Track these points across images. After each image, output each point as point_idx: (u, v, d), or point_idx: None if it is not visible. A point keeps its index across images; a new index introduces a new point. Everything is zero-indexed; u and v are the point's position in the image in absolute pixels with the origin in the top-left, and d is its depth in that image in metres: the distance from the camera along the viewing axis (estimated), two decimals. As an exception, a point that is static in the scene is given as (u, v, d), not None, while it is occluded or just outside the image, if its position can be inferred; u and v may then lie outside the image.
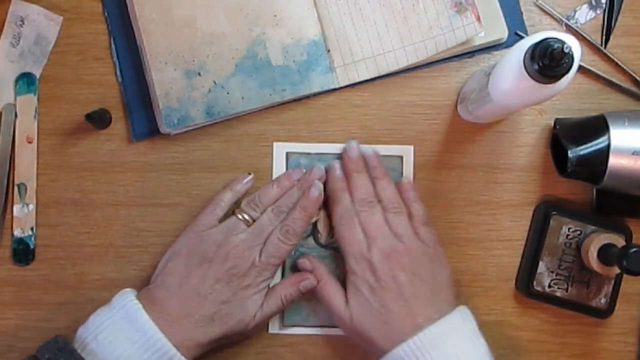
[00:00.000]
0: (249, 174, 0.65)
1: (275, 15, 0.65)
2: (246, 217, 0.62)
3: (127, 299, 0.58)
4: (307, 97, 0.66)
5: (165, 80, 0.64)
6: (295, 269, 0.65)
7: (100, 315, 0.58)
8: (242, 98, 0.65)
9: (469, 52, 0.67)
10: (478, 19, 0.64)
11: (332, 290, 0.62)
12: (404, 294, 0.59)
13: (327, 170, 0.65)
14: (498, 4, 0.66)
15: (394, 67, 0.66)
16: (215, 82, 0.64)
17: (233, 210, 0.63)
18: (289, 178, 0.65)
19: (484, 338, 0.58)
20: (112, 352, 0.55)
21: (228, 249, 0.60)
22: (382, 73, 0.66)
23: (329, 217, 0.65)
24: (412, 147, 0.67)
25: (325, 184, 0.65)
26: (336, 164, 0.65)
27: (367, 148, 0.65)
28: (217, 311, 0.59)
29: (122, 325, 0.56)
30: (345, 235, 0.62)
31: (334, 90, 0.67)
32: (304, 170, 0.65)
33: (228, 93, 0.64)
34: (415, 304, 0.59)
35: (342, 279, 0.66)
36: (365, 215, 0.62)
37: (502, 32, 0.66)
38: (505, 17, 0.66)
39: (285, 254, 0.62)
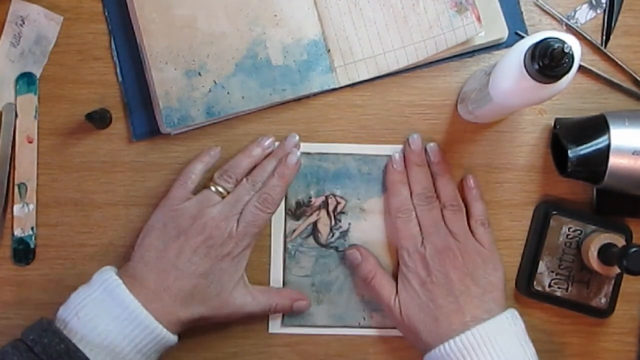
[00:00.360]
0: (216, 146, 0.65)
1: (275, 15, 0.65)
2: (220, 189, 0.62)
3: (107, 275, 0.58)
4: (307, 97, 0.66)
5: (165, 80, 0.64)
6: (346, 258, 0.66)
7: (80, 293, 0.58)
8: (243, 98, 0.65)
9: (469, 52, 0.67)
10: (478, 18, 0.64)
11: (382, 282, 0.63)
12: (454, 291, 0.60)
13: (388, 163, 0.65)
14: (498, 4, 0.66)
15: (394, 67, 0.66)
16: (215, 82, 0.64)
17: (206, 182, 0.63)
18: (260, 146, 0.65)
19: (531, 342, 0.59)
20: (94, 328, 0.55)
21: (204, 220, 0.60)
22: (382, 73, 0.66)
23: (329, 216, 0.66)
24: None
25: (384, 176, 0.65)
26: (397, 156, 0.65)
27: (431, 144, 0.65)
28: (195, 284, 0.59)
29: (102, 301, 0.56)
30: (400, 227, 0.63)
31: (334, 90, 0.67)
32: (272, 138, 0.65)
33: (228, 93, 0.64)
34: (464, 303, 0.59)
35: (342, 278, 0.66)
36: (422, 210, 0.63)
37: (502, 32, 0.66)
38: (505, 17, 0.66)
39: (263, 222, 0.62)
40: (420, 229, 0.63)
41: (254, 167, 0.64)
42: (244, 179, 0.63)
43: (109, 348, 0.55)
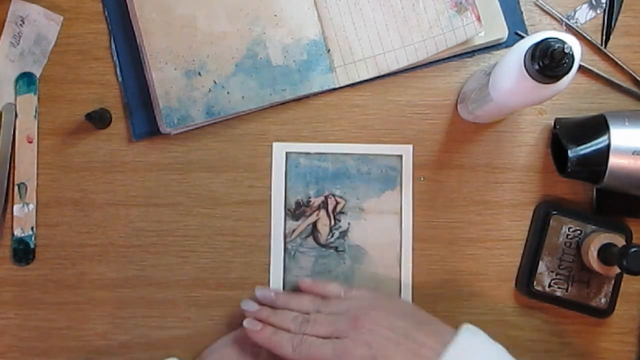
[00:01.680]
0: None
1: (275, 15, 0.65)
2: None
3: None
4: (307, 96, 0.66)
5: (165, 80, 0.64)
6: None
7: None
8: (242, 98, 0.65)
9: (469, 52, 0.67)
10: (478, 18, 0.64)
11: None
12: (399, 341, 0.55)
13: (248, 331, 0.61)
14: (498, 4, 0.66)
15: (394, 67, 0.66)
16: (215, 82, 0.64)
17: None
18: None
19: (498, 343, 0.57)
20: None
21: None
22: (382, 73, 0.66)
23: (329, 216, 0.66)
24: (411, 147, 0.67)
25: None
26: (251, 326, 0.60)
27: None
28: None
29: None
30: (311, 355, 0.57)
31: (334, 90, 0.67)
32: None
33: (228, 93, 0.64)
34: (413, 341, 0.55)
35: (342, 278, 0.66)
36: (310, 329, 0.58)
37: (502, 32, 0.66)
38: (505, 17, 0.66)
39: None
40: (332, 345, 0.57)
41: None
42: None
43: None
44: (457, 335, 0.55)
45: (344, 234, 0.66)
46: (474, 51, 0.67)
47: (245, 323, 0.61)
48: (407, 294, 0.66)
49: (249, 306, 0.62)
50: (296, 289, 0.65)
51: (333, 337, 0.57)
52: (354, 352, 0.55)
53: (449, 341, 0.54)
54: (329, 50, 0.65)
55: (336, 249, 0.66)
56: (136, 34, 0.65)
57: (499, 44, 0.67)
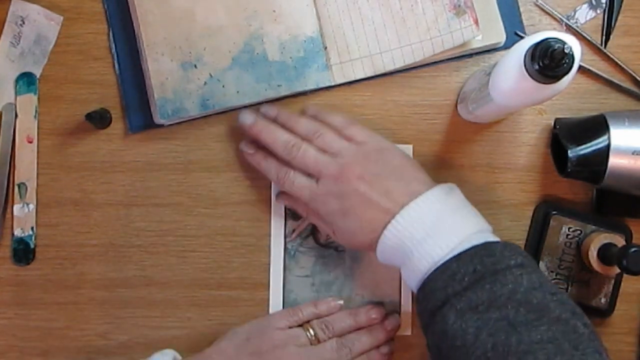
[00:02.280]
0: (339, 301, 0.65)
1: (274, 11, 0.65)
2: (312, 333, 0.62)
3: None
4: (303, 93, 0.66)
5: (161, 71, 0.64)
6: None
7: None
8: (238, 92, 0.65)
9: (465, 55, 0.67)
10: (476, 22, 0.64)
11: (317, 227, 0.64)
12: (372, 198, 0.57)
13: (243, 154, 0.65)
14: (497, 8, 0.66)
15: (390, 67, 0.66)
16: (211, 75, 0.64)
17: (304, 322, 0.63)
18: (367, 315, 0.64)
19: (475, 209, 0.58)
20: None
21: (281, 354, 0.60)
22: (378, 72, 0.66)
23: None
24: (410, 147, 0.67)
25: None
26: (243, 145, 0.64)
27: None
28: None
29: None
30: (292, 192, 0.61)
31: (334, 89, 0.67)
32: (385, 312, 0.65)
33: (224, 86, 0.64)
34: (387, 201, 0.57)
35: (342, 278, 0.66)
36: (297, 159, 0.60)
37: (499, 37, 0.66)
38: (504, 17, 0.66)
39: None
40: (311, 175, 0.60)
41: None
42: (336, 339, 0.62)
43: None
44: (425, 192, 0.56)
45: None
46: (470, 54, 0.67)
47: (241, 146, 0.63)
48: (407, 293, 0.66)
49: (245, 118, 0.63)
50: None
51: (314, 176, 0.60)
52: (327, 202, 0.59)
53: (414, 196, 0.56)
54: (325, 48, 0.65)
55: (336, 248, 0.66)
56: (134, 24, 0.65)
57: (496, 48, 0.67)
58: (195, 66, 0.64)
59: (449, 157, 0.67)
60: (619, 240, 0.61)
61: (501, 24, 0.66)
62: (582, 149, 0.61)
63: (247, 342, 0.61)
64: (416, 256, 0.54)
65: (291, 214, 0.66)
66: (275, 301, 0.66)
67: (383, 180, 0.58)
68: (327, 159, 0.59)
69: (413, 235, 0.55)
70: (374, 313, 0.64)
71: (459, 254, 0.53)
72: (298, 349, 0.60)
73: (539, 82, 0.51)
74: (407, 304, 0.66)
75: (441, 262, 0.53)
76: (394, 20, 0.65)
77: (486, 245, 0.53)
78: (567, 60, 0.49)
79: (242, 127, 0.63)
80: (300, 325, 0.63)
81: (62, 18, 0.67)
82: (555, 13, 0.67)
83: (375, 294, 0.66)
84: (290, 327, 0.62)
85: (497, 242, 0.54)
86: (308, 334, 0.62)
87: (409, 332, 0.66)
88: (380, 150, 0.60)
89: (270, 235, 0.66)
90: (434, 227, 0.54)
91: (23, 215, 0.65)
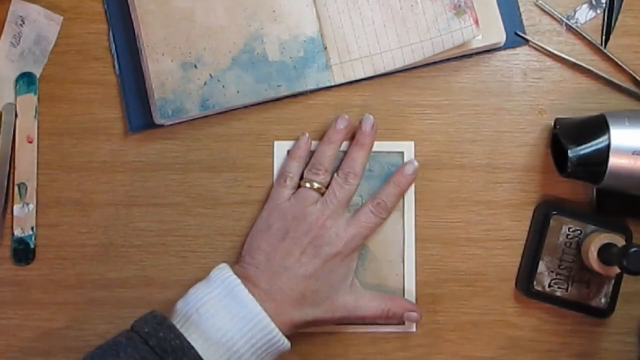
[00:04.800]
0: (304, 134, 0.65)
1: (273, 11, 0.65)
2: (315, 184, 0.63)
3: (226, 273, 0.59)
4: (303, 93, 0.66)
5: (161, 71, 0.64)
6: None
7: (200, 289, 0.58)
8: (238, 92, 0.65)
9: (465, 55, 0.67)
10: (476, 22, 0.64)
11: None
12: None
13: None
14: (497, 9, 0.66)
15: (390, 67, 0.66)
16: (211, 75, 0.64)
17: (299, 181, 0.64)
18: (337, 131, 0.65)
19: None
20: (213, 324, 0.56)
21: (309, 220, 0.61)
22: (378, 72, 0.66)
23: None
24: (412, 143, 0.67)
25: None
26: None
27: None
28: (307, 285, 0.60)
29: (223, 299, 0.57)
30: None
31: (334, 89, 0.67)
32: (347, 116, 0.65)
33: (224, 86, 0.64)
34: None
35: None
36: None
37: (499, 36, 0.66)
38: (504, 17, 0.66)
39: (375, 226, 0.63)
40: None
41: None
42: (335, 175, 0.64)
43: (227, 345, 0.55)
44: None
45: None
46: (470, 54, 0.67)
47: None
48: (411, 290, 0.66)
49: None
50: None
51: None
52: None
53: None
54: (325, 48, 0.65)
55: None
56: (134, 24, 0.65)
57: (496, 48, 0.67)
58: (195, 66, 0.64)
59: (449, 157, 0.67)
60: (619, 240, 0.61)
61: (501, 24, 0.66)
62: (582, 149, 0.61)
63: (270, 229, 0.62)
64: None
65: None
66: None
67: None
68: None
69: None
70: (341, 123, 0.65)
71: None
72: (317, 207, 0.62)
73: None
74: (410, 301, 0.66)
75: None
76: (394, 20, 0.65)
77: None
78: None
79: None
80: (299, 187, 0.64)
81: (62, 18, 0.67)
82: (555, 13, 0.67)
83: (378, 290, 0.66)
84: (293, 193, 0.63)
85: None
86: (309, 185, 0.63)
87: (413, 329, 0.66)
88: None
89: (270, 235, 0.66)
90: None
91: (23, 215, 0.65)
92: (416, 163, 0.65)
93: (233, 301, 0.57)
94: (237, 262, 0.63)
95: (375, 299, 0.63)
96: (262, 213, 0.64)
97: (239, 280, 0.58)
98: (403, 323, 0.65)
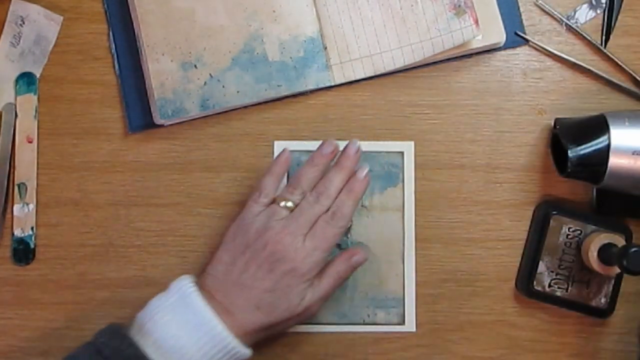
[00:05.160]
0: (284, 150, 0.64)
1: (273, 11, 0.65)
2: (288, 203, 0.61)
3: (183, 282, 0.58)
4: (303, 93, 0.66)
5: (161, 71, 0.64)
6: None
7: (158, 299, 0.58)
8: (238, 92, 0.65)
9: (465, 55, 0.67)
10: (476, 22, 0.64)
11: None
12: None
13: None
14: (497, 8, 0.66)
15: (390, 67, 0.66)
16: (211, 75, 0.64)
17: (274, 197, 0.63)
18: (322, 155, 0.63)
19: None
20: (167, 331, 0.56)
21: (268, 235, 0.60)
22: (378, 72, 0.66)
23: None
24: (412, 143, 0.67)
25: None
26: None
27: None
28: (260, 299, 0.59)
29: (176, 307, 0.57)
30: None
31: (334, 89, 0.67)
32: (335, 142, 0.64)
33: (224, 86, 0.64)
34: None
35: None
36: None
37: (499, 37, 0.66)
38: (504, 17, 0.66)
39: (333, 236, 0.60)
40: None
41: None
42: (309, 192, 0.62)
43: (179, 353, 0.55)
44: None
45: (346, 231, 0.66)
46: (470, 54, 0.67)
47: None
48: (411, 290, 0.66)
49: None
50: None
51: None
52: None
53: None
54: (325, 48, 0.65)
55: (339, 246, 0.66)
56: (134, 24, 0.65)
57: (496, 48, 0.67)
58: (195, 66, 0.64)
59: (449, 157, 0.67)
60: (619, 240, 0.61)
61: (501, 24, 0.66)
62: (582, 149, 0.61)
63: (234, 242, 0.61)
64: None
65: (291, 214, 0.66)
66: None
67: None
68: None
69: None
70: (327, 148, 0.63)
71: None
72: (280, 223, 0.60)
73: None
74: (410, 301, 0.66)
75: None
76: (394, 20, 0.65)
77: None
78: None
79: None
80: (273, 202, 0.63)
81: (62, 18, 0.67)
82: (555, 13, 0.67)
83: (379, 291, 0.66)
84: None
85: None
86: (282, 204, 0.61)
87: (413, 329, 0.66)
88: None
89: (270, 235, 0.66)
90: None
91: (23, 215, 0.65)
92: (367, 169, 0.63)
93: (186, 309, 0.57)
94: (204, 271, 0.62)
95: (324, 280, 0.61)
96: (231, 226, 0.63)
97: (194, 289, 0.58)
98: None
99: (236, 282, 0.59)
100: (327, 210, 0.61)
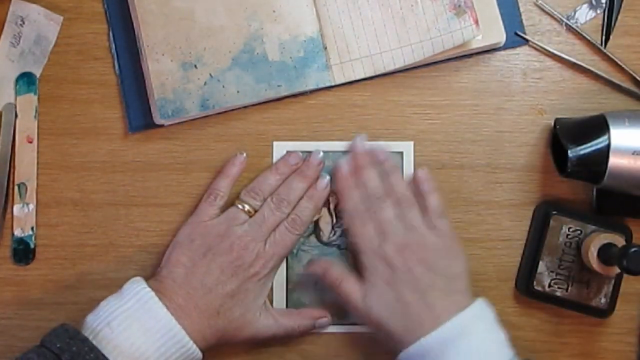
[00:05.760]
0: (241, 153, 0.65)
1: (273, 11, 0.65)
2: (247, 207, 0.63)
3: (139, 286, 0.58)
4: (303, 93, 0.66)
5: (161, 71, 0.64)
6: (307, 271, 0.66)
7: (111, 302, 0.57)
8: (238, 92, 0.65)
9: (465, 55, 0.67)
10: (476, 22, 0.64)
11: (349, 288, 0.62)
12: (419, 286, 0.59)
13: (334, 170, 0.65)
14: (497, 8, 0.66)
15: (390, 67, 0.66)
16: (211, 75, 0.64)
17: (233, 199, 0.63)
18: (287, 164, 0.65)
19: (502, 329, 0.59)
20: (126, 338, 0.55)
21: (232, 240, 0.61)
22: (378, 72, 0.66)
23: (331, 214, 0.66)
24: (412, 143, 0.67)
25: (333, 181, 0.65)
26: (343, 162, 0.65)
27: (374, 144, 0.65)
28: (222, 303, 0.59)
29: (135, 312, 0.56)
30: (357, 232, 0.63)
31: (334, 89, 0.67)
32: (301, 154, 0.65)
33: (224, 86, 0.64)
34: (432, 297, 0.59)
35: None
36: (375, 211, 0.62)
37: (499, 37, 0.66)
38: (504, 17, 0.66)
39: (291, 243, 0.63)
40: (378, 231, 0.62)
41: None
42: (269, 198, 0.63)
43: (140, 359, 0.55)
44: (466, 308, 0.58)
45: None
46: (470, 54, 0.67)
47: (340, 162, 0.65)
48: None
49: (359, 142, 0.65)
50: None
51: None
52: (377, 265, 0.61)
53: (454, 312, 0.58)
54: (325, 48, 0.65)
55: (338, 246, 0.66)
56: (134, 24, 0.65)
57: (496, 48, 0.67)
58: (195, 66, 0.64)
59: (449, 157, 0.67)
60: (619, 240, 0.61)
61: (501, 24, 0.66)
62: (582, 149, 0.61)
63: (192, 244, 0.61)
64: None
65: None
66: (279, 300, 0.66)
67: (437, 279, 0.60)
68: (401, 227, 0.61)
69: (454, 351, 0.56)
70: (293, 159, 0.65)
71: None
72: (242, 227, 0.61)
73: None
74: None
75: None
76: (394, 20, 0.65)
77: None
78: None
79: (354, 147, 0.65)
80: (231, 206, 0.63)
81: (62, 18, 0.67)
82: (555, 13, 0.67)
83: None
84: (221, 211, 0.63)
85: None
86: (241, 207, 0.62)
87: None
88: (450, 252, 0.62)
89: (270, 235, 0.66)
90: (474, 350, 0.56)
91: (23, 215, 0.65)
92: (328, 177, 0.64)
93: (146, 314, 0.56)
94: (153, 275, 0.62)
95: (285, 317, 0.63)
96: (184, 227, 0.63)
97: (152, 294, 0.57)
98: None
99: (198, 286, 0.59)
100: (287, 216, 0.62)
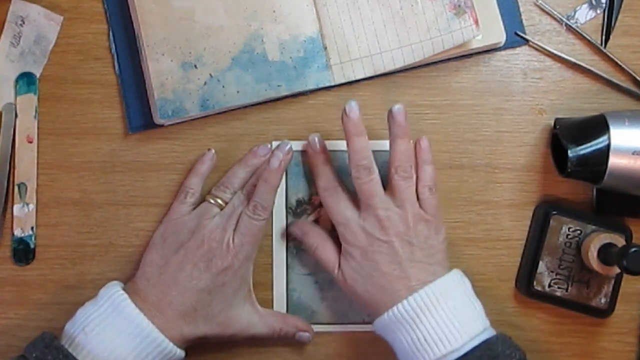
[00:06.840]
0: (209, 150, 0.65)
1: (274, 11, 0.65)
2: (218, 200, 0.63)
3: (113, 290, 0.58)
4: (303, 93, 0.66)
5: (161, 71, 0.64)
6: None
7: (86, 308, 0.58)
8: (238, 92, 0.65)
9: (465, 55, 0.67)
10: (476, 22, 0.64)
11: (325, 253, 0.62)
12: (397, 258, 0.58)
13: (306, 147, 0.65)
14: (497, 8, 0.66)
15: (390, 67, 0.66)
16: (211, 75, 0.64)
17: (207, 195, 0.64)
18: (256, 156, 0.65)
19: (478, 300, 0.59)
20: (100, 342, 0.55)
21: (203, 233, 0.60)
22: (378, 72, 0.66)
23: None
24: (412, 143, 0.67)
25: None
26: (314, 138, 0.64)
27: (397, 106, 0.61)
28: (198, 299, 0.59)
29: (108, 316, 0.57)
30: (330, 205, 0.62)
31: (334, 89, 0.67)
32: (269, 146, 0.65)
33: (224, 86, 0.64)
34: (409, 268, 0.58)
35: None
36: (360, 183, 0.60)
37: (499, 36, 0.66)
38: (504, 17, 0.66)
39: (258, 231, 0.62)
40: (357, 204, 0.61)
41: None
42: (239, 191, 0.64)
43: None
44: (441, 277, 0.58)
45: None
46: (470, 54, 0.67)
47: (312, 136, 0.65)
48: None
49: (353, 108, 0.61)
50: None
51: (359, 206, 0.61)
52: (357, 234, 0.60)
53: (430, 281, 0.57)
54: (325, 48, 0.66)
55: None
56: (134, 24, 0.65)
57: (496, 48, 0.67)
58: (195, 66, 0.64)
59: (449, 157, 0.67)
60: (619, 240, 0.61)
61: (501, 24, 0.66)
62: (582, 149, 0.61)
63: (165, 242, 0.61)
64: (423, 343, 0.56)
65: (292, 213, 0.66)
66: (279, 301, 0.66)
67: (416, 250, 0.59)
68: (389, 200, 0.60)
69: (426, 319, 0.56)
70: (262, 150, 0.65)
71: (466, 354, 0.55)
72: (213, 221, 0.61)
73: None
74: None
75: None
76: (394, 20, 0.65)
77: (488, 346, 0.55)
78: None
79: (349, 112, 0.60)
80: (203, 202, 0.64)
81: (62, 18, 0.67)
82: (555, 13, 0.68)
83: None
84: (193, 209, 0.63)
85: (496, 339, 0.56)
86: (213, 201, 0.63)
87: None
88: (431, 224, 0.60)
89: (272, 235, 0.66)
90: (447, 318, 0.56)
91: (23, 215, 0.65)
92: (280, 155, 0.63)
93: (119, 317, 0.56)
94: (135, 275, 0.62)
95: (270, 316, 0.63)
96: (159, 227, 0.63)
97: (125, 296, 0.57)
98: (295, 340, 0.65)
99: (172, 282, 0.59)
100: (249, 204, 0.62)
